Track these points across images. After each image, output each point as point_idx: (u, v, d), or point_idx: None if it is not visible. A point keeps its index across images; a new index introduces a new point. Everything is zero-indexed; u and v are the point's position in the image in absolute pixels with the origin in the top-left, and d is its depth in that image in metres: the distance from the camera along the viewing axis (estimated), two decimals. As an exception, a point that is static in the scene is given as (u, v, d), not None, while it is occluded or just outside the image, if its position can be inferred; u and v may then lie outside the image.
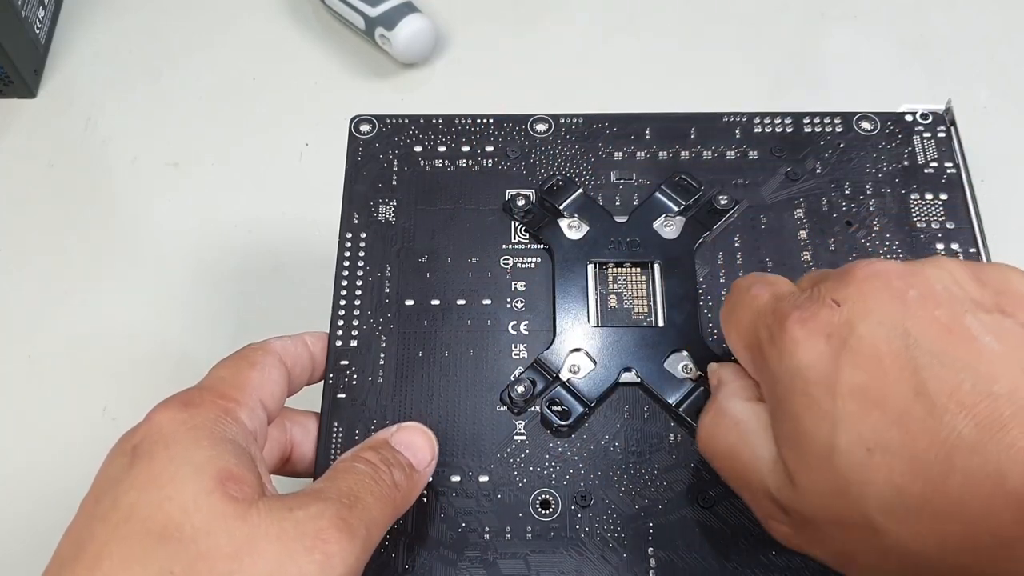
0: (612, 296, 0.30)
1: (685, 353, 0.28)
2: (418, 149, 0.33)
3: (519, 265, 0.31)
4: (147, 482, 0.22)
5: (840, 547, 0.22)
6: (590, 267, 0.30)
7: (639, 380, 0.28)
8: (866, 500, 0.21)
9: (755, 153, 0.32)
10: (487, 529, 0.26)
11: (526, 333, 0.29)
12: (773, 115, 0.33)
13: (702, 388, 0.28)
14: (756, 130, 0.33)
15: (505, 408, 0.28)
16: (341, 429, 0.28)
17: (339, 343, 0.29)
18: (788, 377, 0.22)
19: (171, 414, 0.23)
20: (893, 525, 0.20)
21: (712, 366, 0.27)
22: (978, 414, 0.20)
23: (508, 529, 0.26)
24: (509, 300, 0.30)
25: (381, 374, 0.29)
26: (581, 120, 0.33)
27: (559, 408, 0.28)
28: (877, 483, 0.20)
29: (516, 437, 0.28)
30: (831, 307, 0.22)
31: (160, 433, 0.23)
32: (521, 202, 0.31)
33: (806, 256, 0.30)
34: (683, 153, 0.32)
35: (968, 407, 0.20)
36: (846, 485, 0.21)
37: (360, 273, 0.30)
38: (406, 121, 0.33)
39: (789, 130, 0.33)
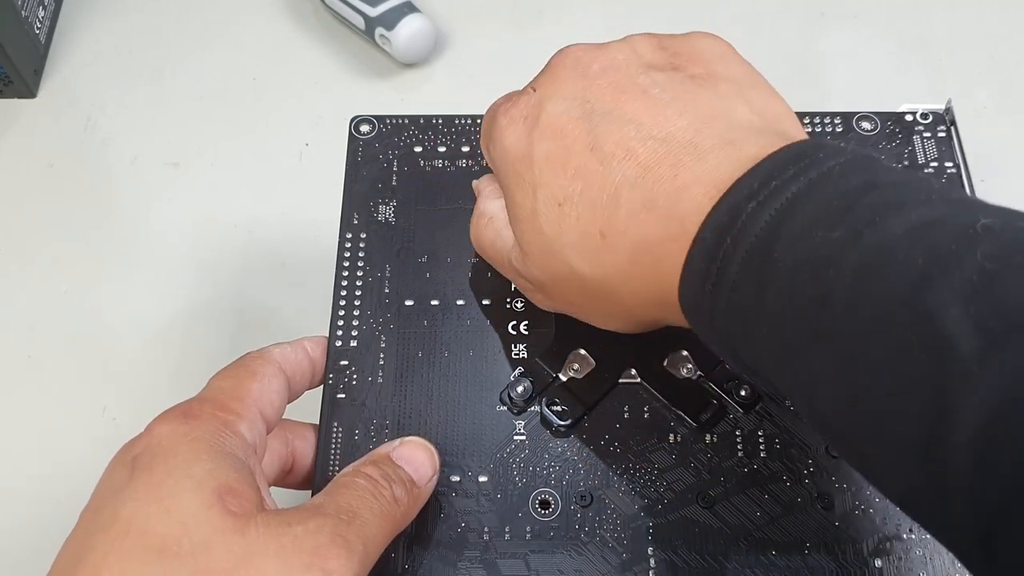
0: (612, 296, 0.30)
1: (685, 353, 0.28)
2: (418, 149, 0.33)
3: (519, 265, 0.31)
4: (146, 495, 0.22)
5: (568, 299, 0.26)
6: (590, 267, 0.30)
7: (639, 380, 0.28)
8: (564, 250, 0.24)
9: (755, 153, 0.32)
10: (487, 529, 0.26)
11: (526, 333, 0.29)
12: (773, 115, 0.33)
13: (702, 388, 0.28)
14: (756, 130, 0.33)
15: (505, 408, 0.28)
16: (341, 429, 0.28)
17: (339, 343, 0.29)
18: (500, 160, 0.26)
19: (171, 426, 0.23)
20: (585, 265, 0.24)
21: (474, 181, 0.30)
22: (639, 156, 0.23)
23: (508, 529, 0.26)
24: (509, 300, 0.30)
25: (381, 374, 0.29)
26: (581, 120, 0.33)
27: (559, 408, 0.28)
28: (568, 231, 0.24)
29: (516, 437, 0.28)
30: (528, 93, 0.26)
31: (160, 445, 0.23)
32: (521, 202, 0.31)
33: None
34: (683, 153, 0.32)
35: (631, 151, 0.23)
36: (548, 241, 0.24)
37: (360, 273, 0.30)
38: (406, 121, 0.33)
39: (789, 130, 0.33)
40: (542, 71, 0.26)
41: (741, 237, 0.20)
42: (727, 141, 0.22)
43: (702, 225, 0.21)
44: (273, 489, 0.26)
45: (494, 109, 0.27)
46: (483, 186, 0.29)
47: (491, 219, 0.28)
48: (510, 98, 0.26)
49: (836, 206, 0.20)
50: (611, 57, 0.25)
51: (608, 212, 0.23)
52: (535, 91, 0.26)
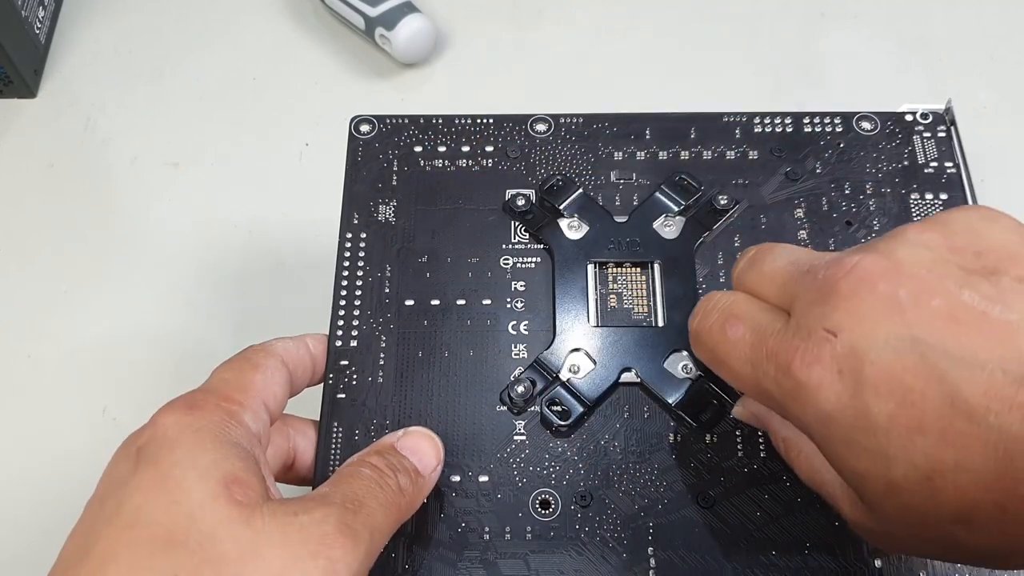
0: (612, 296, 0.30)
1: (685, 353, 0.28)
2: (418, 149, 0.33)
3: (519, 265, 0.31)
4: (152, 486, 0.22)
5: (930, 552, 0.22)
6: (590, 267, 0.30)
7: (639, 380, 0.28)
8: (942, 521, 0.20)
9: (755, 153, 0.32)
10: (487, 529, 0.26)
11: (526, 333, 0.29)
12: (773, 115, 0.33)
13: (702, 388, 0.28)
14: (756, 130, 0.33)
15: (505, 408, 0.28)
16: (341, 429, 0.28)
17: (339, 343, 0.29)
18: (820, 426, 0.21)
19: (176, 417, 0.23)
20: (977, 538, 0.20)
21: (738, 409, 0.27)
22: (1016, 400, 0.18)
23: (508, 529, 0.26)
24: (509, 300, 0.30)
25: (381, 374, 0.29)
26: (581, 120, 0.33)
27: (559, 408, 0.28)
28: (948, 504, 0.19)
29: (516, 437, 0.28)
30: (828, 339, 0.20)
31: (165, 436, 0.23)
32: (521, 202, 0.31)
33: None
34: (683, 153, 0.32)
35: (1008, 400, 0.18)
36: (920, 515, 0.20)
37: (360, 273, 0.30)
38: (406, 121, 0.33)
39: (789, 130, 0.33)
40: (823, 306, 0.21)
41: None
42: None
43: None
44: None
45: (781, 361, 0.21)
46: (762, 411, 0.25)
47: (799, 452, 0.24)
48: (793, 345, 0.21)
49: None
50: (913, 274, 0.20)
51: (1003, 480, 0.18)
52: (836, 336, 0.20)
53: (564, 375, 0.28)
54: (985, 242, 0.21)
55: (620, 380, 0.28)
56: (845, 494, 0.22)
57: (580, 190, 0.31)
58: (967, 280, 0.20)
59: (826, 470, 0.23)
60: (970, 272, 0.20)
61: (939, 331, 0.19)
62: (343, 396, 0.28)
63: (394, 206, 0.32)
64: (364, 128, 0.33)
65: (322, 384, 0.29)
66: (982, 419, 0.18)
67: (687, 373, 0.28)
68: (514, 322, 0.30)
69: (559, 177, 0.32)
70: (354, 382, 0.29)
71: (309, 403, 0.29)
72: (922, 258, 0.20)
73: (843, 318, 0.20)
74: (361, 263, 0.31)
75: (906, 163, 0.32)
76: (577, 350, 0.29)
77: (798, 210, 0.31)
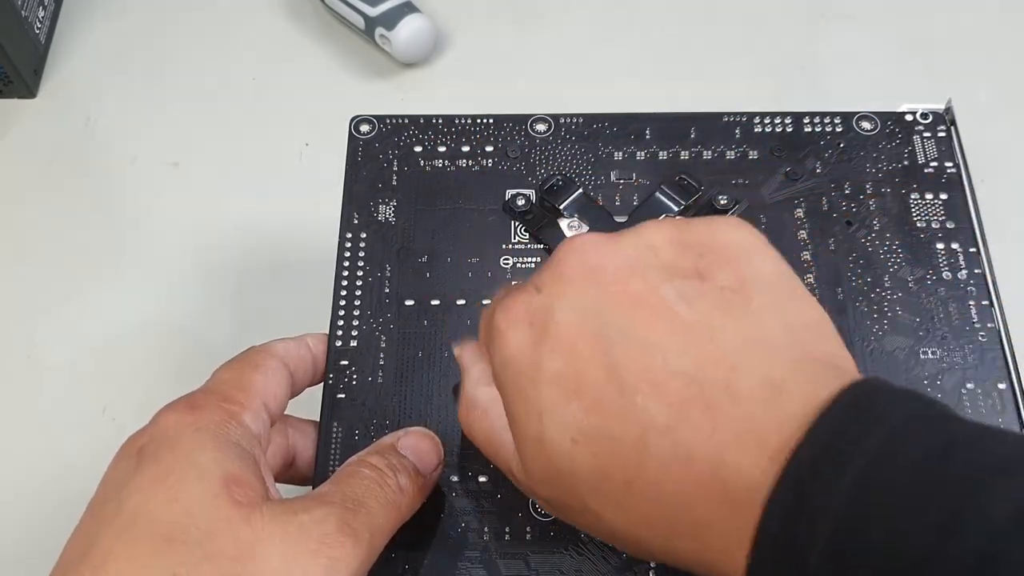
0: (612, 296, 0.30)
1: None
2: (418, 149, 0.33)
3: (519, 265, 0.31)
4: (153, 485, 0.22)
5: (582, 525, 0.22)
6: (590, 267, 0.30)
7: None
8: (578, 487, 0.21)
9: (755, 153, 0.32)
10: (487, 529, 0.26)
11: (526, 333, 0.29)
12: (773, 115, 0.33)
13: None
14: (756, 130, 0.33)
15: (505, 408, 0.28)
16: (341, 429, 0.28)
17: (339, 343, 0.29)
18: (500, 368, 0.22)
19: (177, 417, 0.23)
20: (607, 510, 0.20)
21: (455, 348, 0.26)
22: (668, 393, 0.19)
23: (508, 529, 0.26)
24: (509, 300, 0.30)
25: (381, 374, 0.29)
26: (581, 120, 0.33)
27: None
28: (584, 470, 0.20)
29: (516, 437, 0.28)
30: (532, 293, 0.22)
31: (166, 436, 0.23)
32: (521, 202, 0.31)
33: (806, 256, 0.30)
34: (683, 153, 0.32)
35: (659, 386, 0.20)
36: (558, 473, 0.21)
37: (360, 273, 0.30)
38: (406, 121, 0.33)
39: (789, 130, 0.33)
40: (547, 266, 0.23)
41: (812, 533, 0.17)
42: (768, 385, 0.19)
43: (764, 513, 0.18)
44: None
45: (492, 306, 0.23)
46: (468, 362, 0.25)
47: (484, 412, 0.24)
48: (510, 294, 0.23)
49: (918, 487, 0.17)
50: (626, 258, 0.22)
51: (634, 458, 0.20)
52: (539, 291, 0.22)
53: (564, 375, 0.28)
54: (715, 243, 0.22)
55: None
56: (517, 463, 0.23)
57: (580, 190, 0.31)
58: (671, 277, 0.21)
59: (506, 434, 0.23)
60: (680, 272, 0.21)
61: (624, 310, 0.21)
62: (343, 396, 0.28)
63: (394, 206, 0.32)
64: (364, 128, 0.33)
65: (322, 384, 0.29)
66: (631, 396, 0.20)
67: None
68: (514, 322, 0.30)
69: (559, 177, 0.32)
70: (354, 382, 0.29)
71: (309, 403, 0.29)
72: (640, 247, 0.22)
73: (549, 278, 0.22)
74: (361, 263, 0.31)
75: (906, 163, 0.32)
76: (577, 350, 0.29)
77: (798, 210, 0.31)
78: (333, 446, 0.28)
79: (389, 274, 0.30)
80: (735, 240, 0.22)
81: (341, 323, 0.30)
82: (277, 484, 0.25)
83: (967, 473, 0.17)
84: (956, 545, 0.16)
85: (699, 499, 0.19)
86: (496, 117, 0.33)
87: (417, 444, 0.26)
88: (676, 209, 0.31)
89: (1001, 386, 0.28)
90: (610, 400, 0.20)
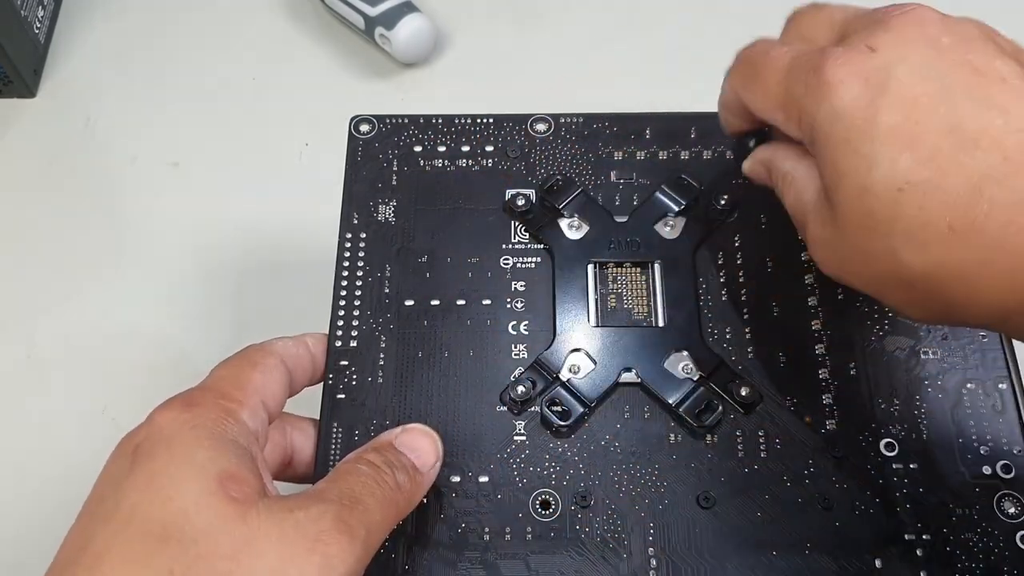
0: (612, 296, 0.30)
1: (685, 353, 0.28)
2: (418, 149, 0.33)
3: (519, 265, 0.31)
4: (148, 483, 0.22)
5: (870, 277, 0.24)
6: (590, 267, 0.30)
7: (639, 380, 0.28)
8: (894, 236, 0.22)
9: (755, 153, 0.32)
10: (487, 529, 0.26)
11: (526, 333, 0.29)
12: (773, 115, 0.33)
13: (702, 388, 0.28)
14: (756, 130, 0.33)
15: (505, 408, 0.28)
16: (340, 430, 0.28)
17: (339, 343, 0.29)
18: (827, 122, 0.23)
19: (173, 414, 0.23)
20: (919, 258, 0.22)
21: (746, 164, 0.28)
22: (1007, 148, 0.21)
23: (508, 529, 0.26)
24: (509, 300, 0.30)
25: (381, 374, 0.29)
26: (581, 120, 0.33)
27: (559, 408, 0.28)
28: (905, 219, 0.22)
29: (516, 437, 0.28)
30: (866, 52, 0.23)
31: (161, 434, 0.23)
32: (521, 202, 0.31)
33: (806, 256, 0.30)
34: (683, 153, 0.32)
35: (998, 142, 0.21)
36: (876, 223, 0.22)
37: (360, 273, 0.30)
38: (406, 121, 0.33)
39: (789, 130, 0.33)
40: (876, 29, 0.23)
41: None
42: None
43: None
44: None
45: (817, 62, 0.23)
46: (768, 153, 0.27)
47: (792, 181, 0.25)
48: (834, 52, 0.23)
49: None
50: (963, 31, 0.23)
51: (965, 205, 0.21)
52: (875, 51, 0.23)
53: (564, 375, 0.28)
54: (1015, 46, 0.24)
55: (620, 380, 0.28)
56: (817, 214, 0.24)
57: (580, 190, 0.31)
58: (1001, 54, 0.23)
59: (808, 194, 0.25)
60: (1009, 53, 0.23)
61: (966, 74, 0.22)
62: (343, 396, 0.28)
63: (394, 206, 0.32)
64: (364, 128, 0.33)
65: (322, 384, 0.29)
66: (970, 150, 0.21)
67: (687, 373, 0.28)
68: (514, 322, 0.30)
69: (559, 177, 0.32)
70: (354, 382, 0.29)
71: (309, 403, 0.29)
72: (969, 26, 0.24)
73: (886, 39, 0.23)
74: (361, 263, 0.31)
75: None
76: (577, 350, 0.29)
77: (798, 210, 0.31)
78: (332, 446, 0.28)
79: (389, 274, 0.30)
80: None
81: (341, 323, 0.29)
82: (276, 482, 0.25)
83: None
84: None
85: None
86: (496, 117, 0.33)
87: (415, 441, 0.26)
88: (676, 209, 0.31)
89: (1002, 386, 0.28)
90: (948, 154, 0.21)
